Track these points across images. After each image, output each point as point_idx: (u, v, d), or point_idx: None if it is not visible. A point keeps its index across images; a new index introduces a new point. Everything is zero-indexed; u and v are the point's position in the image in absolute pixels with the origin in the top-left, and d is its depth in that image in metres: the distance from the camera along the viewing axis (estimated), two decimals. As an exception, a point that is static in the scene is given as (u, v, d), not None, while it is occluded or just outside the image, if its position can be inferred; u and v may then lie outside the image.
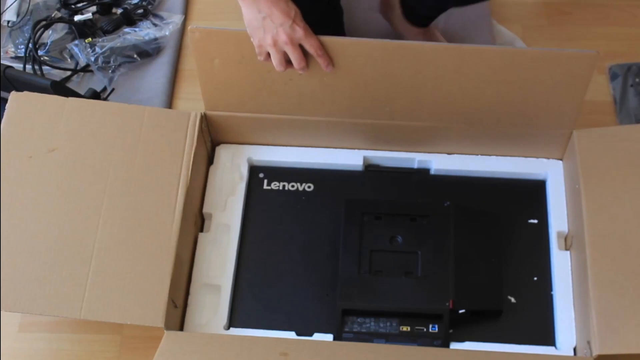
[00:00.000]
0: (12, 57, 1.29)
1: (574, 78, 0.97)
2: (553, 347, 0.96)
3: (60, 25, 1.32)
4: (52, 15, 1.32)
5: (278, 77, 0.98)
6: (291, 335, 0.96)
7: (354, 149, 1.10)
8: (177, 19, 1.33)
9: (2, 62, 1.23)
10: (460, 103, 1.01)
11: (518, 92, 0.99)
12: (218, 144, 1.11)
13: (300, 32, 0.90)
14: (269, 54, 0.93)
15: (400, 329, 0.96)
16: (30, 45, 1.28)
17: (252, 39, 0.93)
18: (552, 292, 0.99)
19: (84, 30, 1.31)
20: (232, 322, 0.98)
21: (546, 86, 0.98)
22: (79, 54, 1.27)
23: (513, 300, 0.99)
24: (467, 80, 0.98)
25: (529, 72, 0.97)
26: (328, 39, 0.93)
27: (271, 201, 1.07)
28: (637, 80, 1.22)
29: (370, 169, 1.11)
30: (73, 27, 1.31)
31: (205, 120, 1.05)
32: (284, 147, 1.10)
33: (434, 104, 1.02)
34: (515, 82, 0.98)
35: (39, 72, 1.26)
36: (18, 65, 1.25)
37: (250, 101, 1.03)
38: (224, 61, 0.99)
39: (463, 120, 1.03)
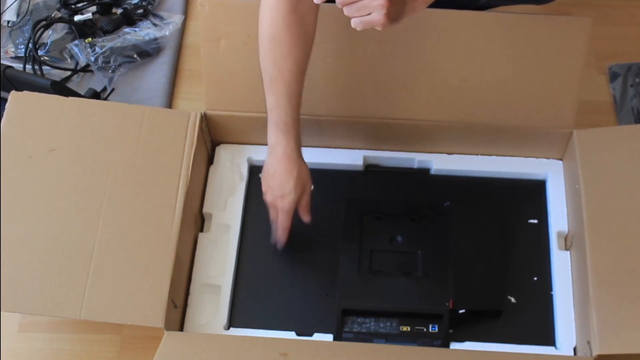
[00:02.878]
0: (12, 57, 1.29)
1: (572, 43, 0.99)
2: (553, 347, 0.96)
3: (60, 25, 1.32)
4: (52, 15, 1.32)
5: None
6: (291, 335, 0.96)
7: (354, 148, 1.10)
8: (177, 19, 1.33)
9: (2, 62, 1.23)
10: (460, 92, 1.02)
11: (518, 65, 1.00)
12: (218, 144, 1.11)
13: (279, 204, 0.97)
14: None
15: (400, 329, 0.96)
16: (30, 45, 1.28)
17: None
18: (552, 292, 0.99)
19: (84, 30, 1.31)
20: (232, 322, 0.98)
21: (545, 53, 0.99)
22: (79, 54, 1.27)
23: (513, 300, 0.99)
24: (466, 56, 1.00)
25: (527, 39, 0.99)
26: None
27: (271, 201, 1.07)
28: (637, 80, 1.22)
29: (370, 168, 1.11)
30: (73, 27, 1.31)
31: (205, 120, 1.05)
32: (284, 147, 1.10)
33: (434, 97, 1.02)
34: (514, 49, 1.00)
35: (39, 72, 1.26)
36: (18, 65, 1.25)
37: (252, 91, 1.03)
38: (230, 41, 1.01)
39: (463, 113, 1.03)
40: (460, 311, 0.95)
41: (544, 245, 1.03)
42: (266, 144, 1.10)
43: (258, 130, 1.08)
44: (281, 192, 0.96)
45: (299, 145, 0.96)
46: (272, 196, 0.97)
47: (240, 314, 0.99)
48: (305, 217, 0.98)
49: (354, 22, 0.74)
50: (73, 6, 1.34)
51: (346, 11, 0.73)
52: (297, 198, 0.96)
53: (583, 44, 0.99)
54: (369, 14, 0.71)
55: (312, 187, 0.98)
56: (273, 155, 0.96)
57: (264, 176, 0.98)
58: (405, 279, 0.98)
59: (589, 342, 0.89)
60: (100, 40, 1.28)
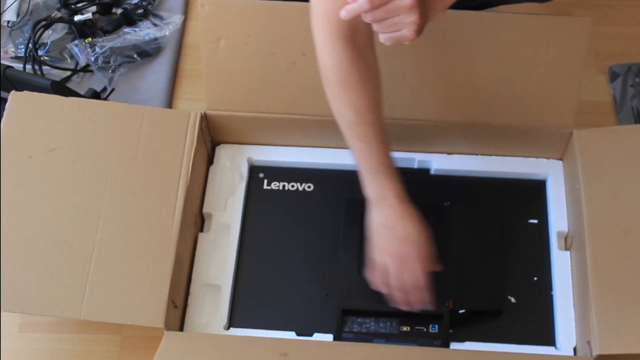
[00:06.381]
0: (12, 57, 1.29)
1: (572, 43, 0.99)
2: (553, 347, 0.96)
3: (60, 25, 1.32)
4: (52, 15, 1.32)
5: (281, 60, 1.00)
6: (291, 335, 0.96)
7: (354, 149, 1.10)
8: (177, 19, 1.33)
9: (2, 62, 1.23)
10: (460, 92, 1.02)
11: (518, 65, 1.00)
12: (218, 144, 1.11)
13: (414, 254, 0.88)
14: (383, 264, 0.90)
15: (400, 329, 0.96)
16: (30, 45, 1.28)
17: (368, 240, 0.91)
18: (552, 292, 0.99)
19: (84, 30, 1.31)
20: (232, 322, 0.98)
21: (545, 53, 0.99)
22: (79, 54, 1.27)
23: (513, 300, 0.99)
24: (466, 56, 1.00)
25: (527, 39, 0.99)
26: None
27: (271, 201, 1.07)
28: (637, 80, 1.22)
29: (371, 169, 1.11)
30: (73, 27, 1.31)
31: (205, 120, 1.05)
32: (284, 147, 1.10)
33: (434, 97, 1.02)
34: (514, 49, 0.99)
35: (39, 72, 1.26)
36: (18, 65, 1.25)
37: (252, 90, 1.04)
38: (230, 41, 1.00)
39: (463, 113, 1.03)
40: (460, 311, 0.95)
41: (544, 245, 1.03)
42: (266, 144, 1.10)
43: (258, 130, 1.08)
44: (413, 239, 0.88)
45: (404, 188, 0.89)
46: (397, 249, 0.88)
47: (240, 314, 0.99)
48: (433, 266, 0.89)
49: (383, 38, 0.73)
50: (73, 6, 1.34)
51: (376, 27, 0.72)
52: (427, 244, 0.89)
53: (583, 44, 0.99)
54: (398, 30, 0.71)
55: None
56: (384, 204, 0.87)
57: (377, 234, 0.89)
58: (405, 279, 0.98)
59: (589, 342, 0.89)
60: (100, 40, 1.28)
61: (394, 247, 0.88)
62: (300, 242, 1.04)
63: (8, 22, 1.34)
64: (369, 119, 0.86)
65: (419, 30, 0.71)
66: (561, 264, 1.01)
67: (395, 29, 0.71)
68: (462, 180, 1.09)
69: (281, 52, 1.01)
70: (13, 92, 1.01)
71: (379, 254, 0.90)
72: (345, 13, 0.70)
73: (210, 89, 1.04)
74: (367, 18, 0.71)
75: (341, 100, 0.86)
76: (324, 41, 0.84)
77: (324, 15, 0.83)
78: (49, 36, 1.30)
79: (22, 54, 1.28)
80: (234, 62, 1.02)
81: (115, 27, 1.32)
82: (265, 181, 1.09)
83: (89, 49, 1.26)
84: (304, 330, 0.97)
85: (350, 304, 0.96)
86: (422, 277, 0.89)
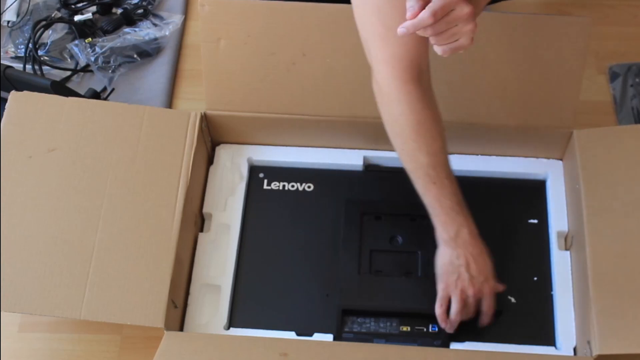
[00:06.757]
0: (12, 57, 1.29)
1: (572, 43, 0.98)
2: (553, 347, 0.96)
3: (60, 25, 1.32)
4: (52, 15, 1.32)
5: (281, 60, 1.00)
6: (291, 335, 0.96)
7: (354, 149, 1.10)
8: (177, 19, 1.33)
9: (2, 62, 1.23)
10: (460, 92, 1.02)
11: (518, 65, 1.00)
12: (218, 144, 1.11)
13: (487, 290, 0.91)
14: (448, 299, 0.92)
15: (400, 329, 0.96)
16: (30, 45, 1.28)
17: (439, 279, 0.92)
18: (552, 292, 0.99)
19: (84, 30, 1.31)
20: (232, 322, 0.98)
21: (545, 53, 0.99)
22: (79, 54, 1.27)
23: (513, 300, 0.99)
24: (466, 56, 0.98)
25: (527, 39, 0.99)
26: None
27: (271, 201, 1.07)
28: (637, 80, 1.22)
29: (370, 169, 1.11)
30: (73, 27, 1.31)
31: (205, 120, 1.05)
32: (284, 147, 1.10)
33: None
34: (514, 49, 0.99)
35: (39, 72, 1.26)
36: (18, 65, 1.25)
37: (252, 90, 1.04)
38: (230, 41, 1.01)
39: (463, 113, 1.03)
40: (460, 311, 0.95)
41: (544, 245, 1.03)
42: (266, 144, 1.10)
43: (258, 130, 1.08)
44: (486, 274, 0.91)
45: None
46: (469, 286, 0.90)
47: (240, 314, 0.99)
48: (499, 289, 0.93)
49: (441, 50, 0.72)
50: (73, 6, 1.34)
51: (434, 40, 0.72)
52: (494, 275, 0.91)
53: (583, 44, 0.99)
54: (456, 40, 0.71)
55: None
56: (458, 241, 0.89)
57: (448, 273, 0.91)
58: (405, 279, 0.98)
59: (589, 342, 0.89)
60: (100, 40, 1.28)
61: (466, 284, 0.90)
62: (300, 242, 1.04)
63: (8, 22, 1.34)
64: (441, 159, 0.86)
65: (474, 38, 0.71)
66: (561, 264, 1.01)
67: (454, 39, 0.71)
68: (462, 180, 1.08)
69: (281, 52, 1.01)
70: (13, 92, 1.01)
71: (449, 292, 0.91)
72: (404, 30, 0.69)
73: (210, 89, 1.04)
74: (427, 32, 0.70)
75: (417, 146, 0.85)
76: (395, 88, 0.83)
77: (393, 60, 0.82)
78: (49, 36, 1.30)
79: (22, 54, 1.28)
80: (234, 62, 1.02)
81: (115, 27, 1.32)
82: (265, 181, 1.09)
83: (89, 49, 1.26)
84: (304, 330, 0.97)
85: (350, 304, 0.96)
86: (492, 305, 0.92)
